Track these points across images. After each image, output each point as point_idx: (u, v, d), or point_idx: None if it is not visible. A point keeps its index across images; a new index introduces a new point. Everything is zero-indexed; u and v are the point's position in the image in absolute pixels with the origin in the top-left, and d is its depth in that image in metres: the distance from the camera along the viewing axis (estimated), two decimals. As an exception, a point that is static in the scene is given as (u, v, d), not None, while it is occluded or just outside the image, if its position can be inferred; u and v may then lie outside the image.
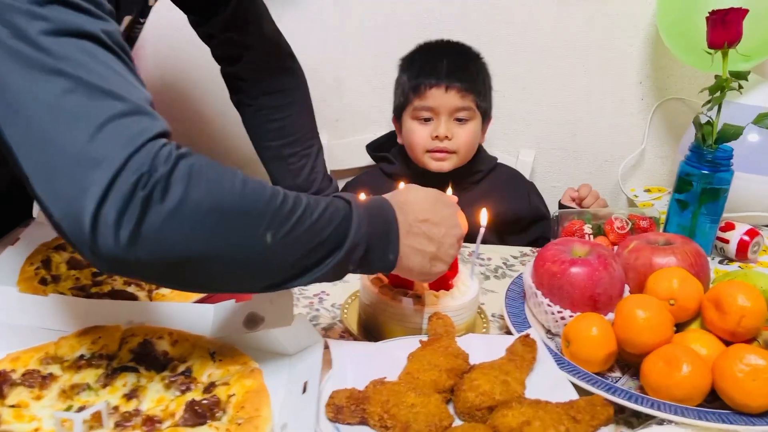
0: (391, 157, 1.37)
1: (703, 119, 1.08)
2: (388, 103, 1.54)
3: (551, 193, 1.63)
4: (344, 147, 1.57)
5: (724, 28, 1.03)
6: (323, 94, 1.56)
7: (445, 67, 1.26)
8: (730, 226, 1.18)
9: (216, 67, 1.21)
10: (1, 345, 0.75)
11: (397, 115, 1.35)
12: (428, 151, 1.29)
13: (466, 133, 1.28)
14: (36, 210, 1.10)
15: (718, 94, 1.05)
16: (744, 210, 1.28)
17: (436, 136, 1.26)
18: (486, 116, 1.34)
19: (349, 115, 1.58)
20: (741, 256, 1.16)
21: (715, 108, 1.06)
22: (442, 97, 1.25)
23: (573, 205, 1.27)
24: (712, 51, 1.06)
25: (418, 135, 1.28)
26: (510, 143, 1.58)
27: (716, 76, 1.06)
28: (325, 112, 1.57)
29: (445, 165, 1.30)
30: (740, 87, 1.05)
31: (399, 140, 1.37)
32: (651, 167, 1.61)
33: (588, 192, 1.26)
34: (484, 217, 0.88)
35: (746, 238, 1.16)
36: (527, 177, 1.55)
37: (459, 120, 1.27)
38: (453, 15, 1.47)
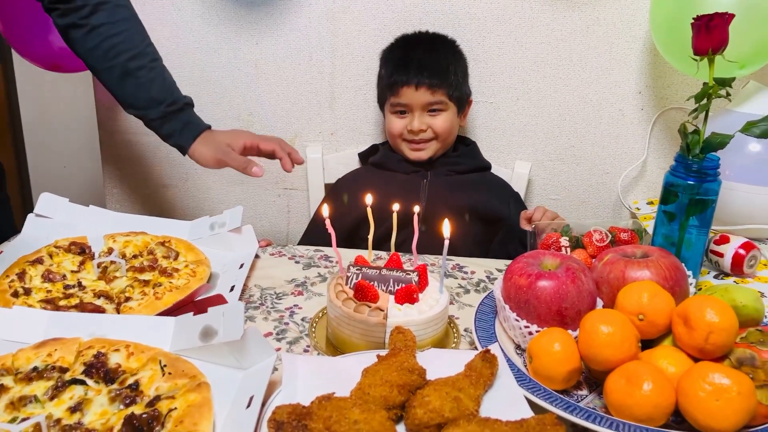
0: (379, 146, 1.47)
1: (690, 128, 1.04)
2: (380, 116, 1.54)
3: (550, 205, 1.60)
4: (338, 160, 1.57)
5: (708, 34, 0.99)
6: (317, 108, 1.57)
7: (415, 63, 1.34)
8: (724, 239, 1.14)
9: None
10: (-37, 356, 0.76)
11: (381, 105, 1.46)
12: (405, 140, 1.39)
13: (441, 122, 1.36)
14: (25, 222, 1.13)
15: (704, 101, 1.02)
16: (745, 222, 1.23)
17: (411, 130, 1.36)
18: (463, 102, 1.42)
19: (343, 129, 1.58)
20: (737, 271, 1.12)
21: (701, 117, 1.02)
22: (413, 95, 1.34)
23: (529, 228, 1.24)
24: (697, 58, 1.02)
25: (395, 126, 1.39)
26: (505, 155, 1.56)
27: (704, 84, 1.03)
28: (319, 126, 1.58)
29: (423, 154, 1.39)
30: (728, 95, 1.02)
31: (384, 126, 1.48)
32: (653, 179, 1.56)
33: (541, 215, 1.23)
34: (446, 228, 0.86)
35: (742, 251, 1.11)
36: (524, 189, 1.53)
37: (433, 112, 1.36)
38: (445, 29, 1.46)
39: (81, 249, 1.05)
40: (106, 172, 1.66)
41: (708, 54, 1.01)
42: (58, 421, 0.66)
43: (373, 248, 0.98)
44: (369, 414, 0.66)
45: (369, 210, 0.93)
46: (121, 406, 0.68)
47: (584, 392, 0.79)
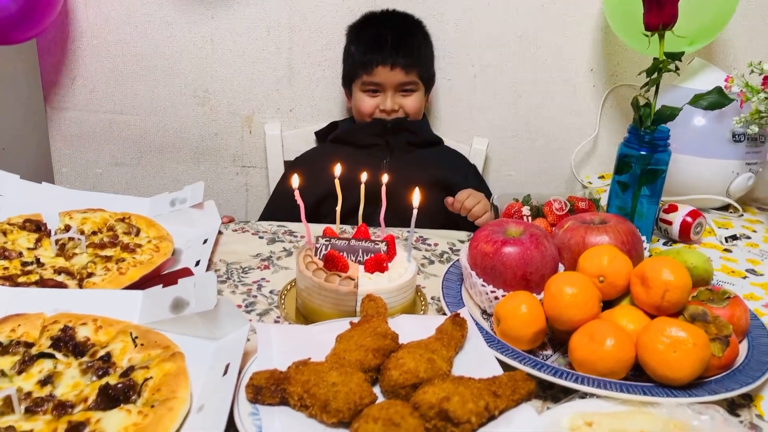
0: (338, 122, 1.49)
1: (642, 101, 1.08)
2: (339, 93, 1.54)
3: (506, 181, 1.65)
4: (297, 137, 1.56)
5: (659, 10, 1.03)
6: (276, 85, 1.55)
7: (390, 44, 1.35)
8: (673, 208, 1.20)
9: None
10: None
11: (346, 82, 1.46)
12: (374, 118, 1.41)
13: (411, 102, 1.40)
14: None
15: (654, 75, 1.06)
16: (690, 192, 1.30)
17: (383, 110, 1.38)
18: (430, 83, 1.46)
19: (302, 105, 1.57)
20: (684, 238, 1.18)
21: (652, 90, 1.07)
22: (388, 74, 1.36)
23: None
24: (648, 33, 1.07)
25: (367, 105, 1.40)
26: (463, 131, 1.58)
27: (654, 59, 1.07)
28: (278, 102, 1.57)
29: None
30: (677, 69, 1.06)
31: (348, 104, 1.49)
32: (604, 153, 1.62)
33: (468, 194, 1.23)
34: (416, 198, 0.88)
35: (689, 219, 1.17)
36: (481, 164, 1.56)
37: (404, 92, 1.39)
38: (404, 6, 1.47)
39: (36, 226, 1.02)
40: (54, 151, 1.60)
41: (659, 29, 1.05)
42: (29, 394, 0.65)
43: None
44: (346, 376, 0.68)
45: (337, 181, 0.94)
46: (94, 378, 0.67)
47: (549, 352, 0.82)
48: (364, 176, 0.95)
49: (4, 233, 0.98)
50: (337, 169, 0.94)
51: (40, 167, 1.67)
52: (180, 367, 0.68)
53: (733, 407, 0.74)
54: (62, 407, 0.63)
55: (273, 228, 1.19)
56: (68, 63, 1.50)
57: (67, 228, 1.03)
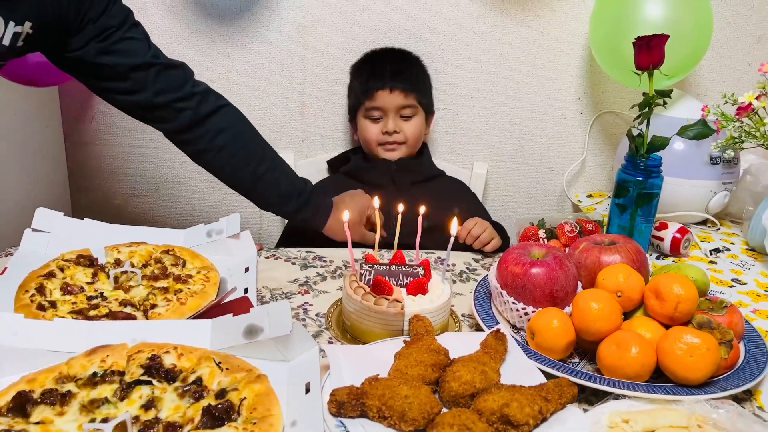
0: (350, 154, 1.58)
1: (635, 132, 1.22)
2: (347, 124, 1.64)
3: (503, 201, 1.77)
4: (309, 165, 1.65)
5: (649, 53, 1.17)
6: (289, 117, 1.64)
7: (389, 71, 1.47)
8: (663, 226, 1.33)
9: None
10: (14, 367, 0.80)
11: (352, 115, 1.56)
12: (380, 144, 1.51)
13: (411, 126, 1.51)
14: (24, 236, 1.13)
15: (646, 109, 1.19)
16: (674, 210, 1.44)
17: (386, 132, 1.48)
18: (429, 111, 1.57)
19: (313, 136, 1.66)
20: (674, 252, 1.31)
21: (644, 122, 1.20)
22: (388, 98, 1.47)
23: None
24: (639, 72, 1.20)
25: (371, 131, 1.50)
26: (464, 157, 1.70)
27: (644, 94, 1.20)
28: (290, 134, 1.66)
29: (395, 154, 1.52)
30: (665, 103, 1.20)
31: (355, 137, 1.59)
32: (592, 174, 1.76)
33: (474, 223, 1.31)
34: (454, 227, 0.98)
35: (678, 235, 1.30)
36: (481, 187, 1.68)
37: (405, 117, 1.50)
38: (408, 44, 1.58)
39: (89, 261, 1.08)
40: (73, 184, 1.65)
41: (649, 69, 1.19)
42: (137, 418, 0.72)
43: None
44: (415, 389, 0.77)
45: (377, 213, 1.03)
46: (192, 401, 0.75)
47: (576, 360, 0.93)
48: (400, 207, 1.05)
49: (62, 269, 1.05)
50: (376, 201, 1.04)
51: (60, 200, 1.71)
52: (268, 388, 0.76)
53: (736, 401, 0.86)
54: (172, 428, 0.70)
55: (302, 254, 1.27)
56: (88, 100, 1.56)
57: (117, 261, 1.09)
